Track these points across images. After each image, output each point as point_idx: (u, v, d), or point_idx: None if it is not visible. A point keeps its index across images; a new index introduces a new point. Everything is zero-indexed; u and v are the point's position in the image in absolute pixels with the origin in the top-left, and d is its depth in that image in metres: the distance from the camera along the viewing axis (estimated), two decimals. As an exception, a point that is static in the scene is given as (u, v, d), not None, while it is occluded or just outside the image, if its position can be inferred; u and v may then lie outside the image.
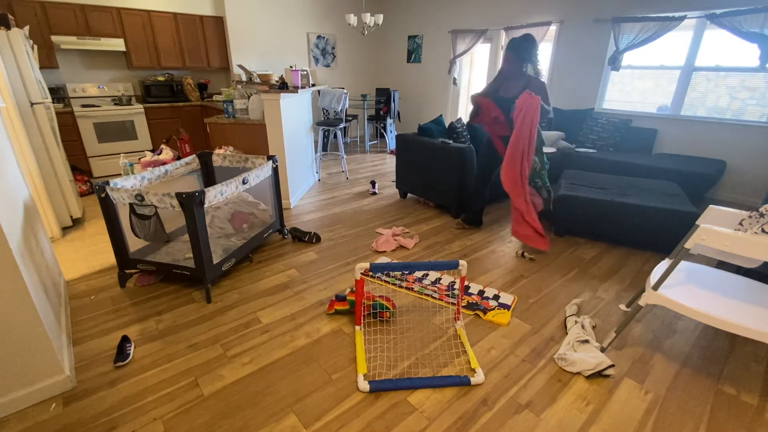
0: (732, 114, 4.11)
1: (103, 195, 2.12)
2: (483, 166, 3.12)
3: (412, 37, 7.02)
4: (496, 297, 2.30)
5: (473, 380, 1.67)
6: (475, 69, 6.63)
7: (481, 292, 2.35)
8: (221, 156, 2.95)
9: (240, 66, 4.78)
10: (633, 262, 2.78)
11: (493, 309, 2.18)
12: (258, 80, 4.16)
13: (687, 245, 1.59)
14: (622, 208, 2.85)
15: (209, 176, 3.02)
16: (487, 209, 3.84)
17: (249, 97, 3.86)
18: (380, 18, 5.23)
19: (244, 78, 5.38)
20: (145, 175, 2.44)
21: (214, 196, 2.14)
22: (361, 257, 2.81)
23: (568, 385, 1.68)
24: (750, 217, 1.55)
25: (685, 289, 1.72)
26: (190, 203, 1.99)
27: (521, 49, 2.69)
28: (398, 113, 6.74)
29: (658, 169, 3.85)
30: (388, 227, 3.32)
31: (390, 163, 5.80)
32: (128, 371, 1.72)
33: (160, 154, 3.37)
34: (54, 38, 4.19)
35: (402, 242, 3.00)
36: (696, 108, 4.31)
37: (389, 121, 6.50)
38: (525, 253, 2.83)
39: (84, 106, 4.46)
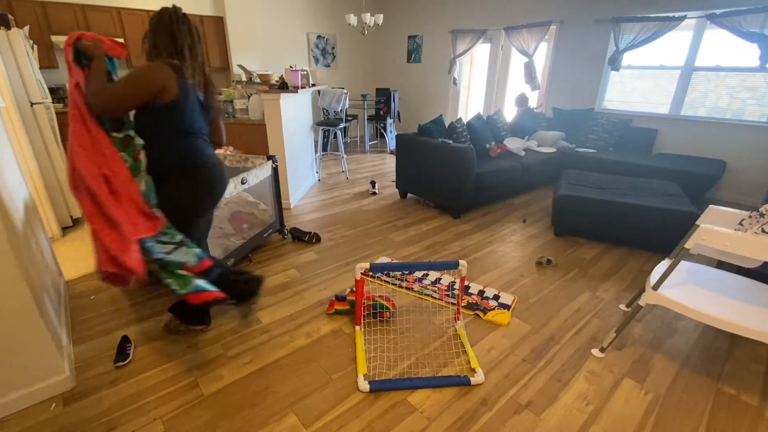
0: (732, 114, 4.11)
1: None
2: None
3: (412, 37, 7.02)
4: (496, 297, 2.30)
5: (473, 380, 1.67)
6: (475, 69, 6.63)
7: (481, 292, 2.35)
8: (221, 156, 2.95)
9: (240, 66, 4.78)
10: (633, 262, 2.78)
11: (493, 309, 2.18)
12: (258, 80, 4.16)
13: (687, 245, 1.59)
14: (622, 208, 2.85)
15: (209, 176, 3.01)
16: (485, 209, 3.84)
17: (249, 97, 3.86)
18: (380, 18, 5.23)
19: (244, 78, 5.37)
20: (145, 175, 2.44)
21: (214, 196, 2.14)
22: (361, 257, 2.81)
23: (568, 385, 1.68)
24: (750, 217, 1.55)
25: (685, 289, 1.72)
26: (190, 203, 1.98)
27: None
28: (398, 113, 6.74)
29: (658, 169, 3.85)
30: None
31: (390, 163, 5.80)
32: (128, 371, 1.72)
33: (160, 154, 3.35)
34: (54, 38, 4.18)
35: None
36: (696, 108, 4.31)
37: (389, 121, 6.50)
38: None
39: (84, 106, 4.45)
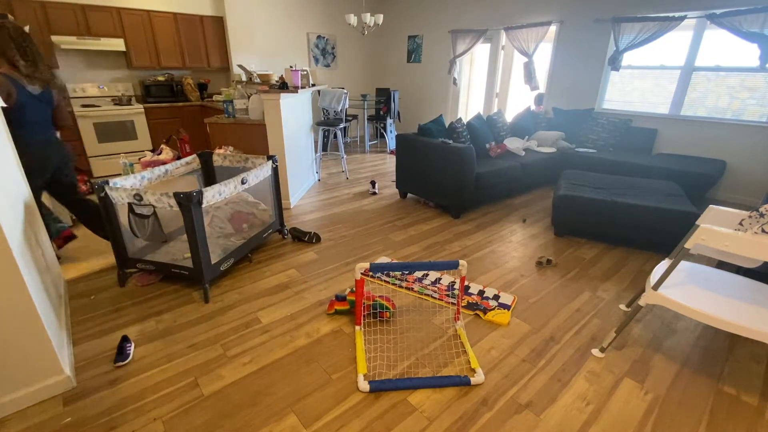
0: (732, 114, 4.10)
1: (102, 194, 2.11)
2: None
3: (412, 37, 7.02)
4: (496, 297, 2.30)
5: (473, 380, 1.67)
6: (475, 69, 6.63)
7: (481, 292, 2.35)
8: (222, 156, 2.95)
9: (240, 66, 4.78)
10: (633, 262, 2.78)
11: (493, 309, 2.18)
12: (258, 80, 4.16)
13: (687, 245, 1.59)
14: (622, 208, 2.85)
15: (210, 176, 3.02)
16: (485, 209, 3.84)
17: (249, 97, 3.86)
18: (380, 18, 5.23)
19: (244, 78, 5.38)
20: (144, 174, 2.44)
21: (212, 196, 2.14)
22: (361, 257, 2.81)
23: (568, 385, 1.68)
24: (750, 217, 1.55)
25: (685, 289, 1.72)
26: (188, 203, 1.99)
27: None
28: (398, 113, 6.74)
29: (658, 169, 3.85)
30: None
31: (390, 163, 5.80)
32: (128, 371, 1.72)
33: (160, 154, 3.37)
34: (54, 38, 4.18)
35: None
36: (696, 108, 4.31)
37: (389, 121, 6.50)
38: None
39: (84, 106, 4.46)
